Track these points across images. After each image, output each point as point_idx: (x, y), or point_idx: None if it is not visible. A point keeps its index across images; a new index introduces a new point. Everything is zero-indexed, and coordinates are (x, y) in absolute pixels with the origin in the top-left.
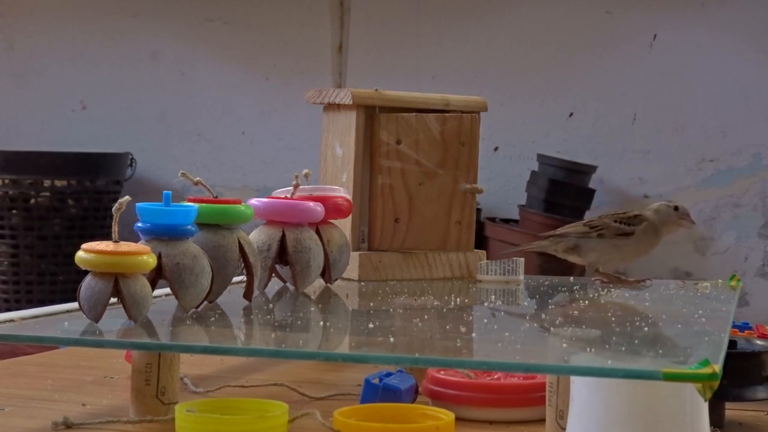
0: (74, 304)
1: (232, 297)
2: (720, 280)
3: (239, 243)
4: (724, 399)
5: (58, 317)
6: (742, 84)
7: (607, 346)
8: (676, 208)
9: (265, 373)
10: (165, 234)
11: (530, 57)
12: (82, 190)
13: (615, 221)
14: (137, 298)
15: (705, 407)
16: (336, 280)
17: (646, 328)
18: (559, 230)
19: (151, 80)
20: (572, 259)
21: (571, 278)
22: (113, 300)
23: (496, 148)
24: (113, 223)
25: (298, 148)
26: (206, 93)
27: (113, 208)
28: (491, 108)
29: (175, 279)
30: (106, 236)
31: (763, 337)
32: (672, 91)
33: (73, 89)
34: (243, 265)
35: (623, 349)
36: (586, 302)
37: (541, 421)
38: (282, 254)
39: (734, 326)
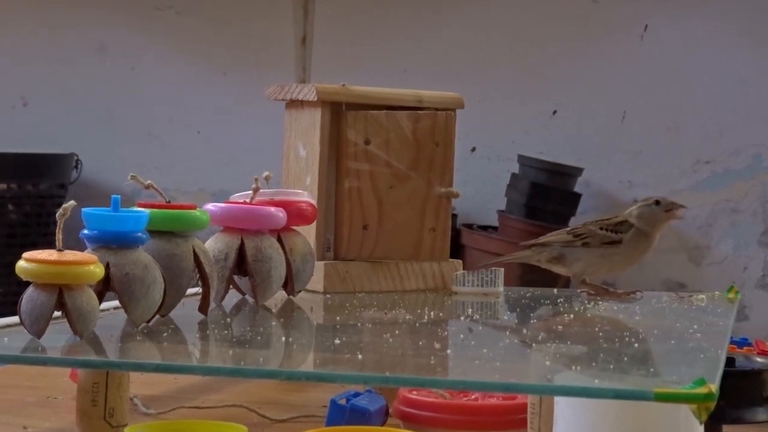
0: (15, 318)
1: (186, 310)
2: (717, 292)
3: (194, 252)
4: (721, 421)
5: None
6: (740, 79)
7: (593, 364)
8: (657, 203)
9: (222, 393)
10: (113, 242)
11: (510, 50)
12: (23, 195)
13: (601, 228)
14: (83, 311)
15: (700, 430)
16: (299, 292)
17: (636, 345)
18: (542, 239)
19: (97, 75)
20: (557, 269)
21: (555, 290)
22: (57, 314)
23: (473, 149)
24: (57, 230)
25: (258, 149)
26: (158, 88)
27: (57, 214)
28: (468, 105)
29: (124, 291)
30: (50, 244)
31: (763, 353)
32: (664, 86)
33: (13, 85)
34: (198, 275)
35: (611, 367)
36: (572, 316)
37: None
38: (240, 264)
39: (732, 342)
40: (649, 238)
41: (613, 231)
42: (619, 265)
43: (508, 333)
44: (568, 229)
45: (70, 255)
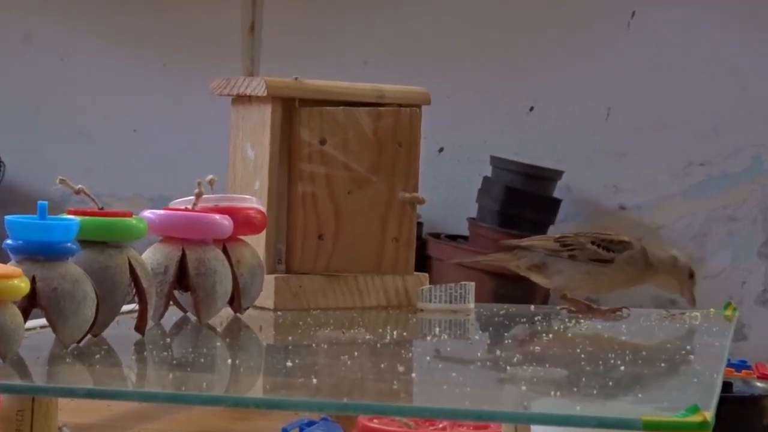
0: None
1: (121, 329)
2: (712, 309)
3: (130, 264)
4: None
5: None
6: (738, 71)
7: (575, 389)
8: (691, 275)
9: (161, 422)
10: (40, 253)
11: (482, 39)
12: None
13: (592, 242)
14: (6, 330)
15: None
16: (247, 309)
17: (622, 367)
18: (525, 241)
19: (22, 67)
20: (536, 278)
21: (532, 307)
22: None
23: (440, 150)
24: None
25: (202, 149)
26: (90, 82)
27: None
28: (435, 101)
29: (52, 307)
30: None
31: (763, 378)
32: (654, 79)
33: None
34: (134, 290)
35: (595, 392)
36: (551, 336)
37: None
38: (181, 278)
39: (729, 365)
40: (646, 273)
41: (606, 248)
42: (604, 286)
43: (479, 355)
44: (557, 235)
45: None
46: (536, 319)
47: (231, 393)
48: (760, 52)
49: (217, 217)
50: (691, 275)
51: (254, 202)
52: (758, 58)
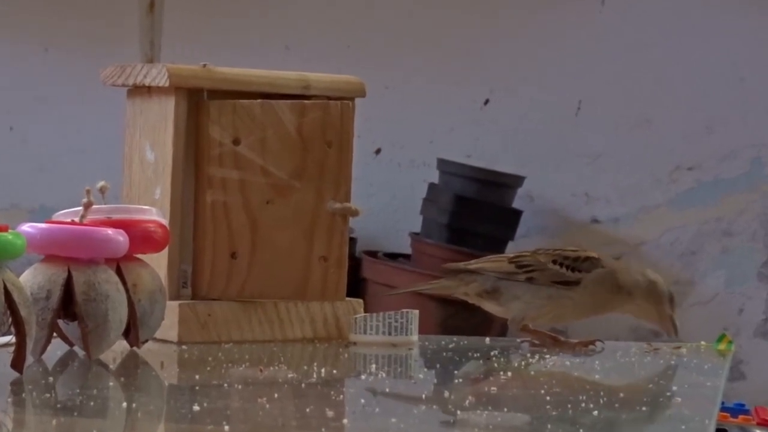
0: None
1: None
2: (703, 342)
3: (5, 288)
4: None
5: None
6: (734, 58)
7: None
8: (671, 300)
9: None
10: None
11: (427, 19)
12: None
13: (554, 261)
14: None
15: None
16: (146, 341)
17: (595, 412)
18: (473, 263)
19: None
20: (488, 307)
21: (488, 339)
22: None
23: (377, 151)
24: None
25: (91, 150)
26: None
27: None
28: (371, 92)
29: None
30: None
31: (763, 424)
32: (633, 68)
33: None
34: (10, 320)
35: None
36: (510, 374)
37: None
38: (67, 304)
39: (724, 409)
40: (620, 292)
41: (570, 268)
42: (570, 313)
43: (424, 396)
44: (511, 255)
45: None
46: (492, 353)
47: None
48: (761, 37)
49: (110, 231)
50: (671, 300)
51: (154, 213)
52: (758, 44)
